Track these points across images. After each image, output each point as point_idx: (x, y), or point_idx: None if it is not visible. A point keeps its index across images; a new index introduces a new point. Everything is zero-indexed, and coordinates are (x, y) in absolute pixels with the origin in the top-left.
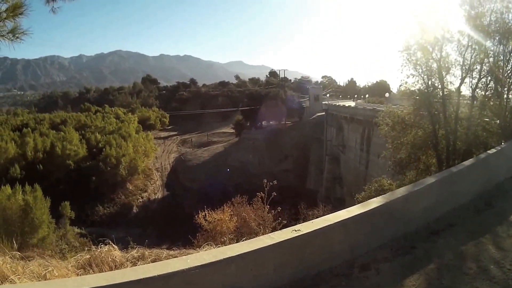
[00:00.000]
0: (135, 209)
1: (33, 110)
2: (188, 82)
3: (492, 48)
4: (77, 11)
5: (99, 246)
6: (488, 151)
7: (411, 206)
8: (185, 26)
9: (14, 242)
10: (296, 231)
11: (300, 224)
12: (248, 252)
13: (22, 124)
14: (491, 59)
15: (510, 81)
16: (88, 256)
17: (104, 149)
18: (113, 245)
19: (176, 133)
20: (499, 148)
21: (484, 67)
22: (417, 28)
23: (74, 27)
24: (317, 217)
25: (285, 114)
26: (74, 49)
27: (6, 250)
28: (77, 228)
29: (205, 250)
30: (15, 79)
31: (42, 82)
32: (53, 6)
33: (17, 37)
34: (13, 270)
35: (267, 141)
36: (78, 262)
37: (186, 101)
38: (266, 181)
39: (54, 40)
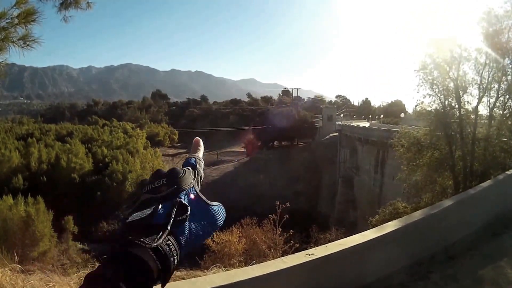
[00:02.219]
0: None
1: (39, 120)
2: (199, 99)
3: (510, 66)
4: (88, 21)
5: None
6: (507, 172)
7: (428, 230)
8: (197, 41)
9: (15, 254)
10: (309, 255)
11: (314, 248)
12: (260, 276)
13: (27, 133)
14: (509, 77)
15: None
16: None
17: (110, 164)
18: None
19: (185, 150)
20: None
21: (502, 85)
22: (434, 47)
23: (84, 38)
24: (329, 241)
25: (297, 134)
26: (83, 60)
27: (6, 262)
28: (80, 244)
29: (213, 272)
30: (22, 87)
31: (49, 92)
32: (65, 15)
33: (28, 45)
34: (13, 283)
35: (278, 161)
36: (81, 279)
37: (196, 118)
38: (278, 203)
39: (64, 50)
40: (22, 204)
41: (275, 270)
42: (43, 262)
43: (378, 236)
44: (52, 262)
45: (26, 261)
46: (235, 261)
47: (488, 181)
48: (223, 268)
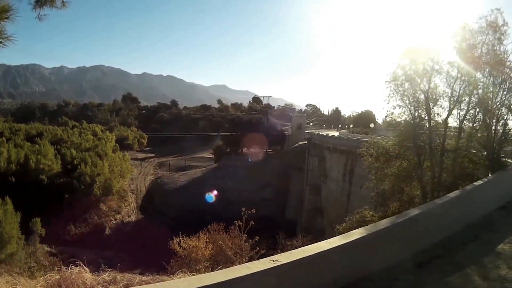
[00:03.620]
0: (107, 231)
1: (9, 119)
2: (169, 104)
3: (481, 80)
4: (61, 21)
5: (69, 267)
6: (475, 183)
7: (394, 238)
8: (170, 46)
9: None
10: (274, 261)
11: (279, 255)
12: (225, 281)
13: None
14: (480, 91)
15: (499, 112)
16: (58, 277)
17: (79, 166)
18: (84, 267)
19: (154, 155)
20: (486, 180)
21: (473, 98)
22: (406, 59)
23: (57, 37)
24: (295, 248)
25: (266, 141)
26: (56, 59)
27: None
28: (47, 247)
29: (179, 277)
30: None
31: (21, 91)
32: (39, 13)
33: (0, 42)
34: None
35: (247, 168)
36: (48, 282)
37: (166, 123)
38: (244, 209)
39: (37, 48)
40: None
41: (240, 275)
42: (10, 264)
43: (344, 243)
44: (19, 265)
45: None
46: (201, 266)
47: (456, 191)
48: (189, 274)
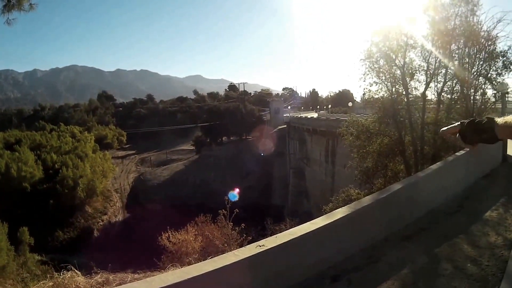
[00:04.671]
0: (96, 233)
1: None
2: (145, 99)
3: (457, 52)
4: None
5: (61, 272)
6: (457, 153)
7: (378, 214)
8: (141, 39)
9: None
10: (260, 246)
11: (265, 239)
12: (212, 270)
13: None
14: (456, 62)
15: (477, 82)
16: (51, 284)
17: (60, 170)
18: (76, 271)
19: (134, 152)
20: (468, 150)
21: (449, 70)
22: (380, 36)
23: (28, 40)
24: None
25: (246, 129)
26: (28, 63)
27: None
28: (38, 255)
29: (170, 271)
30: None
31: None
32: (8, 18)
33: None
34: None
35: (228, 157)
36: None
37: (144, 118)
38: (227, 198)
39: (8, 53)
40: None
41: (227, 263)
42: (2, 277)
43: (329, 223)
44: (12, 277)
45: None
46: (191, 259)
47: (438, 163)
48: (180, 267)
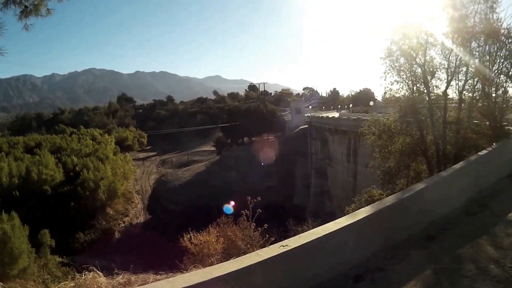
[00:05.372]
0: (117, 235)
1: (6, 133)
2: (165, 100)
3: (477, 49)
4: (49, 28)
5: (83, 273)
6: (479, 153)
7: (402, 213)
8: (160, 41)
9: None
10: (283, 246)
11: (288, 240)
12: (235, 270)
13: None
14: (476, 60)
15: (498, 80)
16: (72, 284)
17: (81, 173)
18: (98, 271)
19: (155, 153)
20: (490, 149)
21: (470, 68)
22: (399, 34)
23: (46, 45)
24: None
25: (266, 129)
26: (46, 68)
27: None
28: (59, 257)
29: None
30: None
31: (14, 104)
32: (25, 23)
33: None
34: None
35: (249, 157)
36: None
37: (164, 120)
38: (249, 198)
39: (26, 59)
40: None
41: (251, 263)
42: (24, 279)
43: (352, 223)
44: (33, 278)
45: (6, 279)
46: (214, 260)
47: (461, 162)
48: (202, 268)
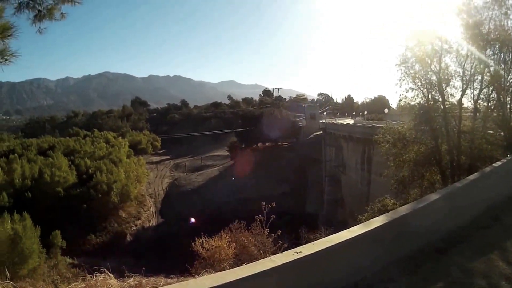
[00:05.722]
0: (128, 238)
1: (19, 135)
2: (179, 104)
3: (492, 57)
4: (63, 32)
5: (94, 275)
6: (494, 164)
7: (416, 223)
8: (174, 45)
9: (7, 271)
10: (297, 253)
11: (302, 246)
12: (249, 276)
13: (9, 149)
14: (491, 68)
15: None
16: (83, 285)
17: (94, 175)
18: (109, 273)
19: (168, 157)
20: (505, 161)
21: (485, 77)
22: (414, 40)
23: (60, 49)
24: None
25: (281, 134)
26: (60, 71)
27: None
28: (69, 258)
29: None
30: (0, 103)
31: (28, 106)
32: (39, 27)
33: (6, 59)
34: None
35: (263, 163)
36: None
37: (178, 124)
38: (264, 203)
39: (40, 62)
40: (9, 221)
41: (264, 269)
42: (33, 278)
43: (366, 232)
44: (43, 278)
45: (17, 279)
46: (226, 264)
47: (475, 174)
48: (213, 273)
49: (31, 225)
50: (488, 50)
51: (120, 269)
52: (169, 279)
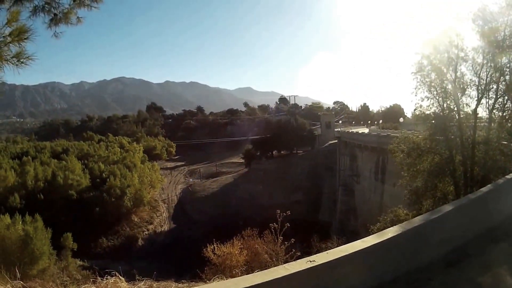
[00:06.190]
0: (140, 242)
1: (33, 138)
2: (195, 110)
3: (508, 65)
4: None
5: (104, 278)
6: (507, 176)
7: (428, 235)
8: (191, 51)
9: (17, 271)
10: (311, 261)
11: (315, 255)
12: (261, 283)
13: (22, 152)
14: (507, 77)
15: None
16: (93, 287)
17: (108, 180)
18: (120, 276)
19: (183, 163)
20: None
21: (501, 86)
22: (430, 48)
23: (74, 53)
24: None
25: (296, 142)
26: (75, 76)
27: (8, 279)
28: (80, 261)
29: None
30: (14, 106)
31: (42, 110)
32: (55, 31)
33: (22, 62)
34: None
35: (278, 171)
36: None
37: (193, 130)
38: (279, 211)
39: (54, 66)
40: (20, 223)
41: (277, 277)
42: (43, 279)
43: (379, 242)
44: (53, 279)
45: (26, 278)
46: (237, 271)
47: (488, 185)
48: (225, 279)
49: (43, 227)
50: (504, 57)
51: (131, 273)
52: (179, 283)
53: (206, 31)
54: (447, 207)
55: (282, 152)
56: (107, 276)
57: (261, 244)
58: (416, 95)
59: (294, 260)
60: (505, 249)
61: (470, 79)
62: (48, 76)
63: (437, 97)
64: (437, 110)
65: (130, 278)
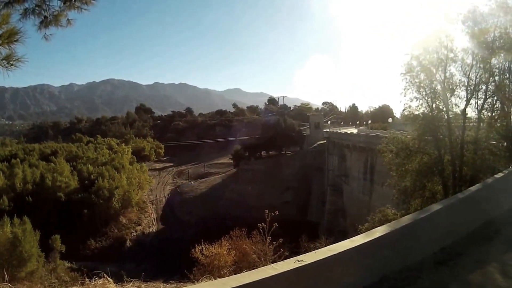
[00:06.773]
0: (128, 243)
1: (22, 140)
2: (184, 111)
3: (497, 66)
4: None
5: (93, 279)
6: (495, 176)
7: (417, 234)
8: (180, 53)
9: (5, 273)
10: (299, 261)
11: (304, 255)
12: (250, 283)
13: (11, 154)
14: (497, 78)
15: None
16: None
17: (96, 181)
18: (108, 278)
19: (171, 164)
20: (507, 172)
21: (490, 86)
22: (420, 49)
23: (64, 55)
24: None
25: (285, 143)
26: (64, 77)
27: None
28: (68, 262)
29: (204, 282)
30: (3, 108)
31: (31, 112)
32: (45, 33)
33: (12, 64)
34: None
35: (266, 172)
36: None
37: (182, 131)
38: (267, 211)
39: (43, 68)
40: (8, 225)
41: (265, 276)
42: (31, 282)
43: (367, 241)
44: (41, 282)
45: (14, 281)
46: (225, 271)
47: (477, 185)
48: (213, 279)
49: (31, 229)
50: (494, 59)
51: (119, 274)
52: (168, 284)
53: (196, 32)
54: (436, 206)
55: (270, 152)
56: (95, 277)
57: (249, 244)
58: (405, 96)
59: (283, 260)
60: (494, 247)
61: (459, 80)
62: (38, 78)
63: (426, 98)
64: (426, 111)
65: (118, 280)
